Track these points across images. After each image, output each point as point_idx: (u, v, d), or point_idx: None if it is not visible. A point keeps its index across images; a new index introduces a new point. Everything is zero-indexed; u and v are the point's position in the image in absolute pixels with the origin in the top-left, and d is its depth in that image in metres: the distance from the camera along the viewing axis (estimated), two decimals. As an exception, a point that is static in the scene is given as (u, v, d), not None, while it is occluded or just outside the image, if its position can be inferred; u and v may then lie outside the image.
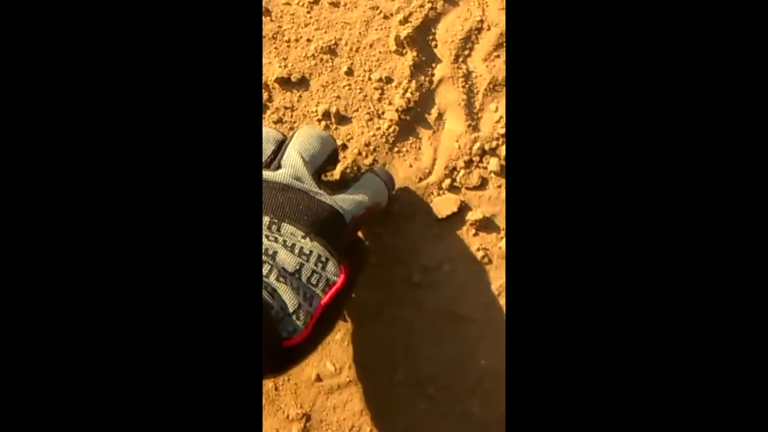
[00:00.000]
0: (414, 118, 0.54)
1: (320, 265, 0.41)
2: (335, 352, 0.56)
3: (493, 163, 0.53)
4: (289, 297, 0.39)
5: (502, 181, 0.53)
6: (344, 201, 0.43)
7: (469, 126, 0.53)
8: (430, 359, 0.55)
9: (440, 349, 0.55)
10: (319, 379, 0.57)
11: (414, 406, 0.56)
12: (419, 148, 0.54)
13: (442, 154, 0.54)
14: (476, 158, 0.53)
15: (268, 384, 0.57)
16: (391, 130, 0.53)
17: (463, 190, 0.53)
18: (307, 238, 0.41)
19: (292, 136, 0.45)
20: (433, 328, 0.55)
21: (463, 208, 0.53)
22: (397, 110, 0.53)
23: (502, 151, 0.53)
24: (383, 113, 0.54)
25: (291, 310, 0.40)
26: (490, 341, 0.55)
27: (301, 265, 0.41)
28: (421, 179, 0.54)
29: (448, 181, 0.53)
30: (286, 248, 0.41)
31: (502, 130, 0.53)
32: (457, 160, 0.53)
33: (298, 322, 0.40)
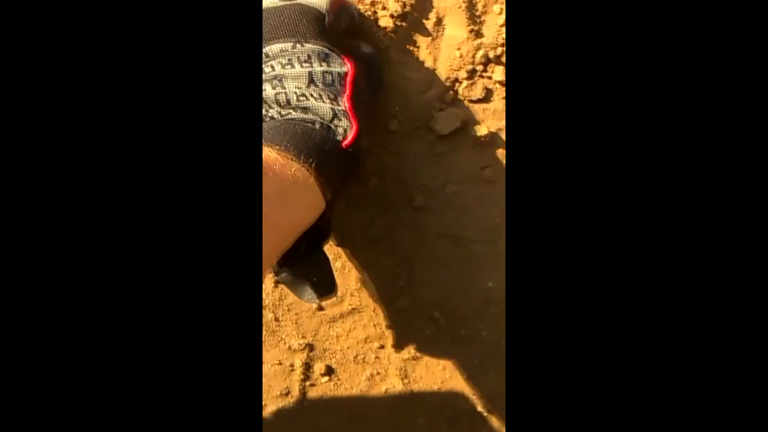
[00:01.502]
0: (410, 25, 0.49)
1: (324, 64, 0.41)
2: (337, 280, 0.54)
3: (498, 72, 0.48)
4: (320, 107, 0.40)
5: (509, 91, 0.49)
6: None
7: (471, 32, 0.48)
8: (435, 284, 0.53)
9: (444, 274, 0.53)
10: (320, 308, 0.55)
11: (419, 332, 0.54)
12: (417, 59, 0.49)
13: (443, 65, 0.49)
14: (480, 67, 0.48)
15: (267, 315, 0.55)
16: (385, 38, 0.49)
17: (466, 103, 0.49)
18: (298, 45, 0.41)
19: None
20: (436, 252, 0.52)
21: (467, 122, 0.49)
22: (391, 15, 0.48)
23: (509, 57, 0.48)
24: (376, 19, 0.49)
25: (329, 117, 0.40)
26: (496, 264, 0.52)
27: (310, 73, 0.40)
28: (420, 93, 0.50)
29: (450, 94, 0.49)
30: (286, 68, 0.40)
31: (509, 34, 0.48)
32: (459, 71, 0.49)
33: (343, 123, 0.41)
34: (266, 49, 0.41)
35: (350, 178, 0.45)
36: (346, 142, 0.41)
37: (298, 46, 0.40)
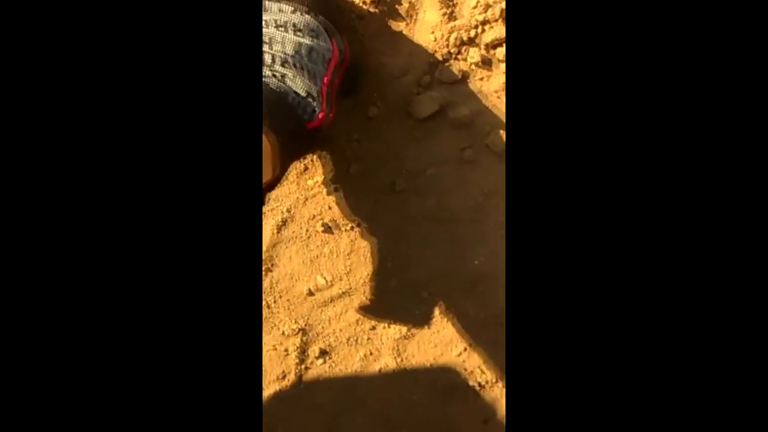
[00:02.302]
0: (385, 11, 0.49)
1: (315, 40, 0.42)
2: (325, 265, 0.55)
3: (474, 54, 0.49)
4: (298, 81, 0.41)
5: (485, 73, 0.49)
6: None
7: (444, 15, 0.49)
8: (422, 265, 0.54)
9: (431, 254, 0.54)
10: (311, 293, 0.56)
11: (410, 311, 0.55)
12: (393, 44, 0.50)
13: (419, 49, 0.49)
14: (455, 50, 0.49)
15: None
16: (360, 26, 0.49)
17: (443, 86, 0.50)
18: (297, 12, 0.41)
19: None
20: (421, 234, 0.53)
21: (445, 105, 0.50)
22: (364, 2, 0.48)
23: (483, 39, 0.49)
24: (353, 3, 0.49)
25: (304, 93, 0.41)
26: (482, 243, 0.53)
27: (299, 44, 0.41)
28: (397, 78, 0.50)
29: (427, 78, 0.49)
30: (278, 29, 0.41)
31: (481, 17, 0.48)
32: (435, 54, 0.49)
33: (314, 103, 0.41)
34: (266, 2, 0.41)
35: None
36: (311, 123, 0.41)
37: (297, 13, 0.41)
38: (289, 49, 0.40)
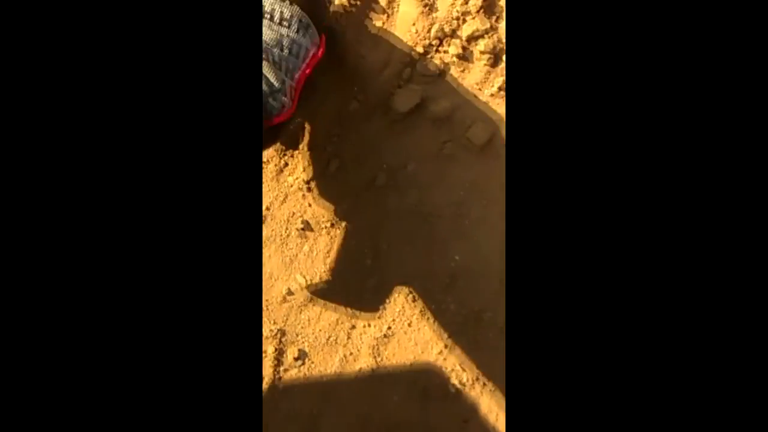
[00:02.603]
0: (364, 3, 0.49)
1: (301, 31, 0.40)
2: (304, 265, 0.54)
3: (454, 47, 0.49)
4: (272, 74, 0.39)
5: (465, 65, 0.49)
6: None
7: (425, 7, 0.49)
8: (401, 262, 0.53)
9: (411, 251, 0.53)
10: (290, 293, 0.55)
11: (389, 310, 0.55)
12: (373, 37, 0.49)
13: (399, 42, 0.49)
14: (435, 42, 0.49)
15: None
16: (341, 18, 0.48)
17: (424, 79, 0.49)
18: (287, 1, 0.40)
19: None
20: (401, 229, 0.53)
21: (426, 99, 0.50)
22: (345, -5, 0.48)
23: (463, 31, 0.49)
24: (330, 0, 0.48)
25: (277, 86, 0.39)
26: (462, 238, 0.53)
27: (281, 36, 0.39)
28: (378, 72, 0.50)
29: (407, 71, 0.49)
30: (264, 15, 0.39)
31: (462, 8, 0.48)
32: (416, 47, 0.49)
33: (285, 98, 0.40)
34: None
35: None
36: (278, 118, 0.40)
37: (287, 2, 0.39)
38: (269, 39, 0.39)
